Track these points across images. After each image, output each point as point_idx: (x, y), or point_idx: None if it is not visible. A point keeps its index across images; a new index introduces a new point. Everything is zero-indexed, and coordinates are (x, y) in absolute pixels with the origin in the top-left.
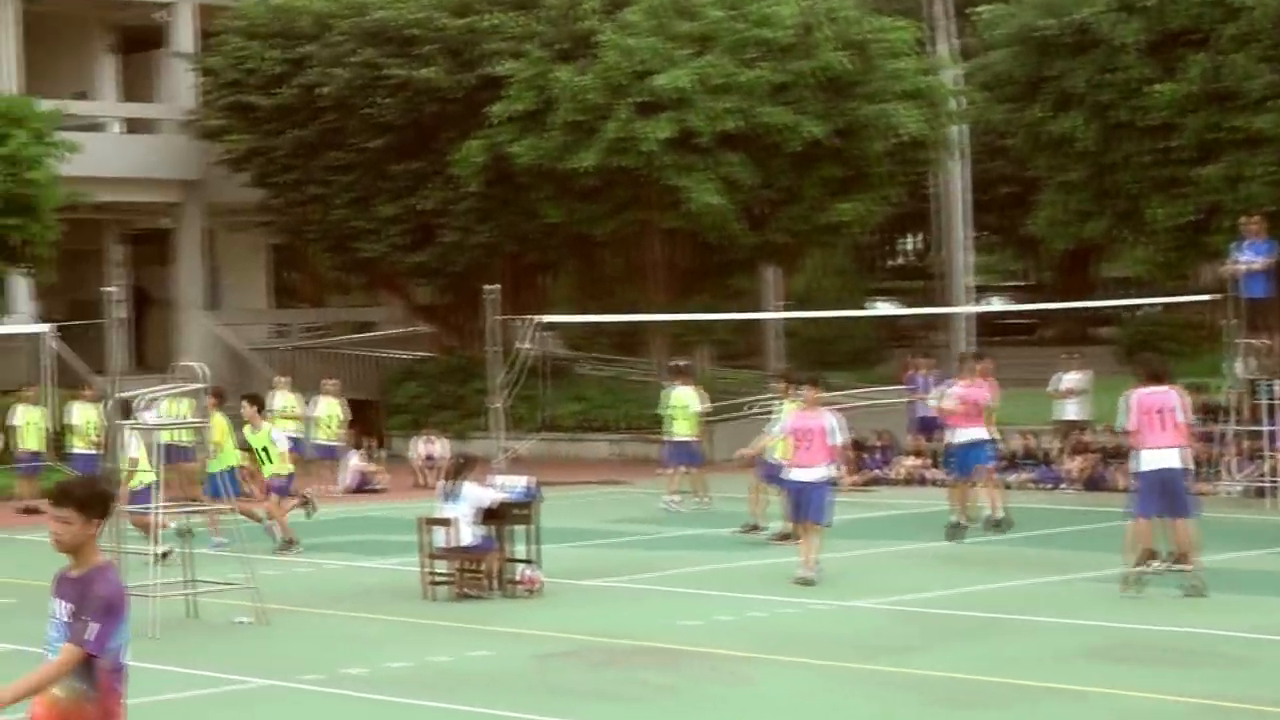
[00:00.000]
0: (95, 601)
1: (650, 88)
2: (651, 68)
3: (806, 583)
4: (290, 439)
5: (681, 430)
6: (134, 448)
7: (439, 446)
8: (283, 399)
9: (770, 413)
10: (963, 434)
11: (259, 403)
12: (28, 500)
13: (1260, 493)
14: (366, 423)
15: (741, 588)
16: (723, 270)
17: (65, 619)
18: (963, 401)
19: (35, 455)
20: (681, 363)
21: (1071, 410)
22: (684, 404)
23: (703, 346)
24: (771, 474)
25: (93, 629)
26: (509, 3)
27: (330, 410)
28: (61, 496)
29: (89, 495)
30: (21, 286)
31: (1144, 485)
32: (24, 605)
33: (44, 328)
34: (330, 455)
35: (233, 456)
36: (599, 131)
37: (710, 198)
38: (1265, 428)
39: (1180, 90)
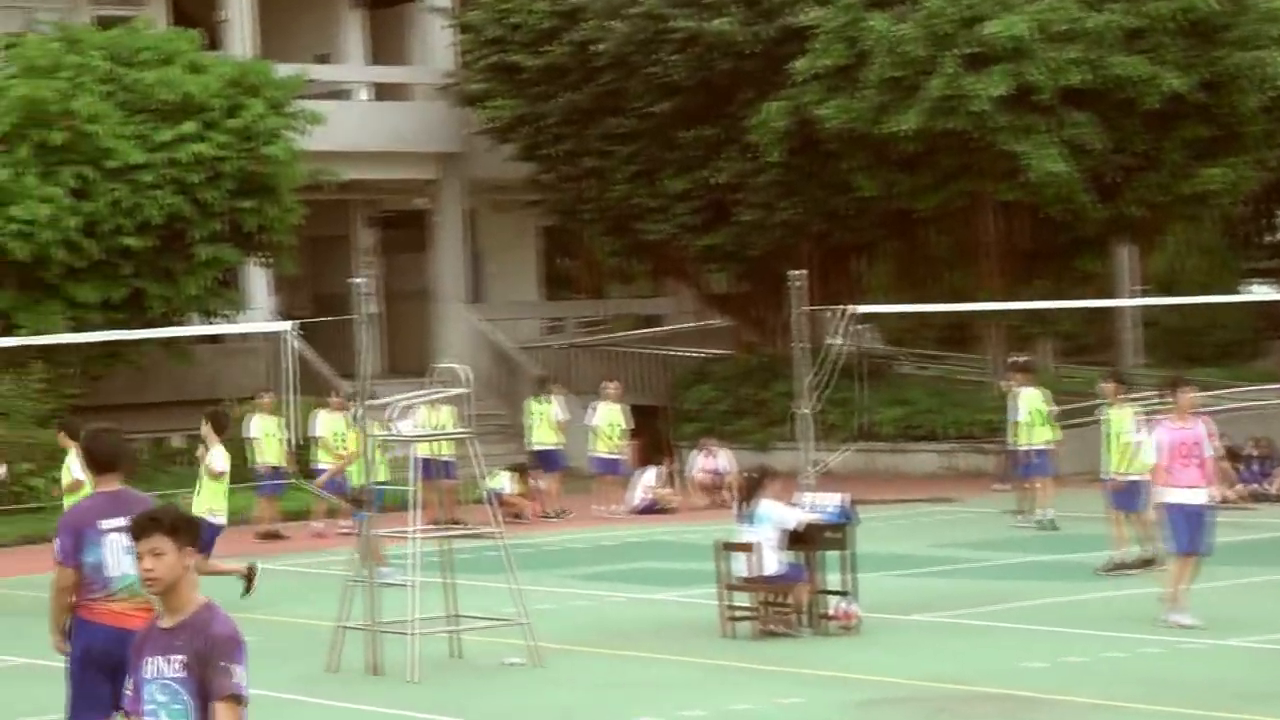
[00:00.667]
0: (225, 644)
1: (981, 37)
2: (982, 13)
3: (1185, 626)
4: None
5: (1036, 438)
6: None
7: (722, 459)
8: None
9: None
10: None
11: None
12: (267, 524)
13: None
14: (652, 432)
15: (1096, 624)
16: (1068, 250)
17: (177, 674)
18: None
19: (276, 471)
20: (1022, 358)
21: None
22: (1037, 407)
23: (1045, 340)
24: (1127, 498)
25: (239, 673)
26: None
27: (611, 418)
28: (146, 525)
29: (178, 520)
30: (258, 278)
31: None
32: (266, 643)
33: (284, 325)
34: (612, 470)
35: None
36: (920, 89)
37: (1053, 165)
38: None
39: None
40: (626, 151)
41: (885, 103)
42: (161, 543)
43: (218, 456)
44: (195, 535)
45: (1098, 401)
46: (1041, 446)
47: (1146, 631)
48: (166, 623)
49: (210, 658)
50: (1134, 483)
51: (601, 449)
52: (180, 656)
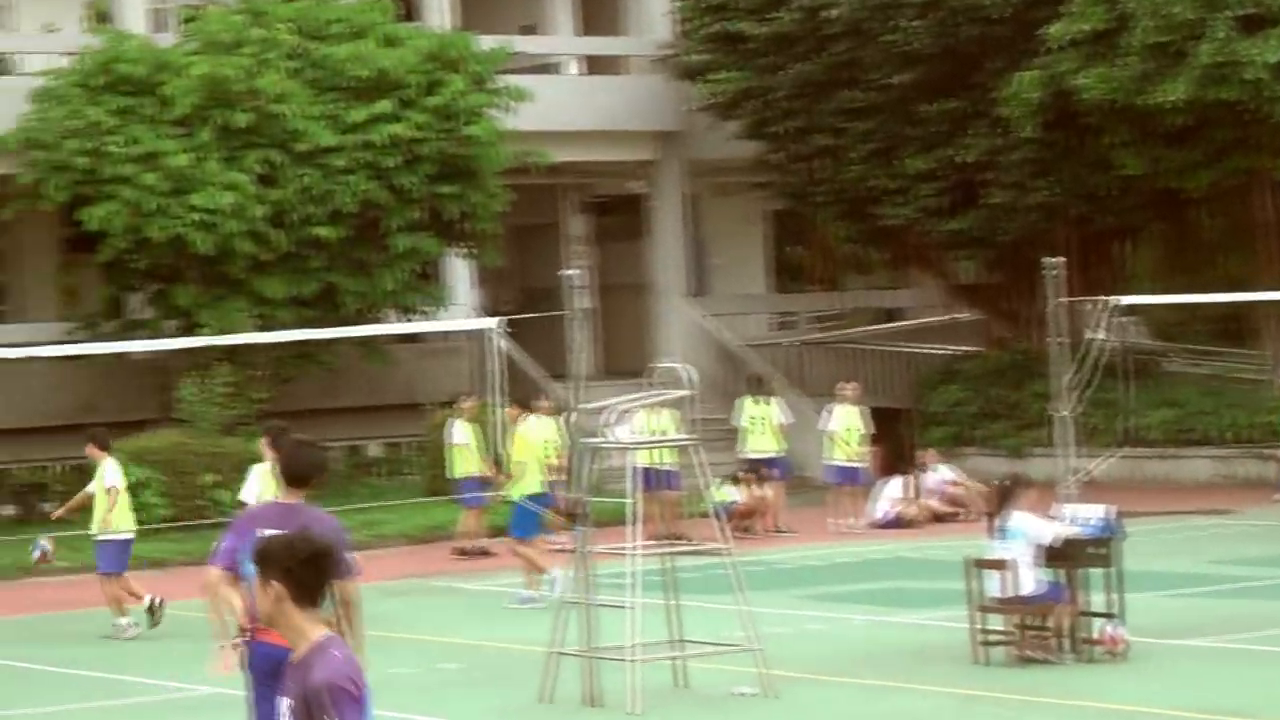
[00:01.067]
0: (322, 694)
1: None
2: None
3: None
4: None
5: None
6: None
7: (946, 471)
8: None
9: None
10: None
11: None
12: (471, 540)
13: None
14: (895, 438)
15: None
16: None
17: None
18: None
19: (481, 483)
20: None
21: None
22: None
23: None
24: None
25: None
26: None
27: (849, 422)
28: (257, 558)
29: (264, 549)
30: (460, 271)
31: None
32: (470, 671)
33: (489, 322)
34: (851, 480)
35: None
36: (1189, 56)
37: None
38: None
39: None
40: (862, 128)
41: (1149, 71)
42: (265, 577)
43: (111, 471)
44: (278, 565)
45: None
46: None
47: None
48: (294, 658)
49: (310, 708)
50: None
51: (838, 456)
52: (289, 700)
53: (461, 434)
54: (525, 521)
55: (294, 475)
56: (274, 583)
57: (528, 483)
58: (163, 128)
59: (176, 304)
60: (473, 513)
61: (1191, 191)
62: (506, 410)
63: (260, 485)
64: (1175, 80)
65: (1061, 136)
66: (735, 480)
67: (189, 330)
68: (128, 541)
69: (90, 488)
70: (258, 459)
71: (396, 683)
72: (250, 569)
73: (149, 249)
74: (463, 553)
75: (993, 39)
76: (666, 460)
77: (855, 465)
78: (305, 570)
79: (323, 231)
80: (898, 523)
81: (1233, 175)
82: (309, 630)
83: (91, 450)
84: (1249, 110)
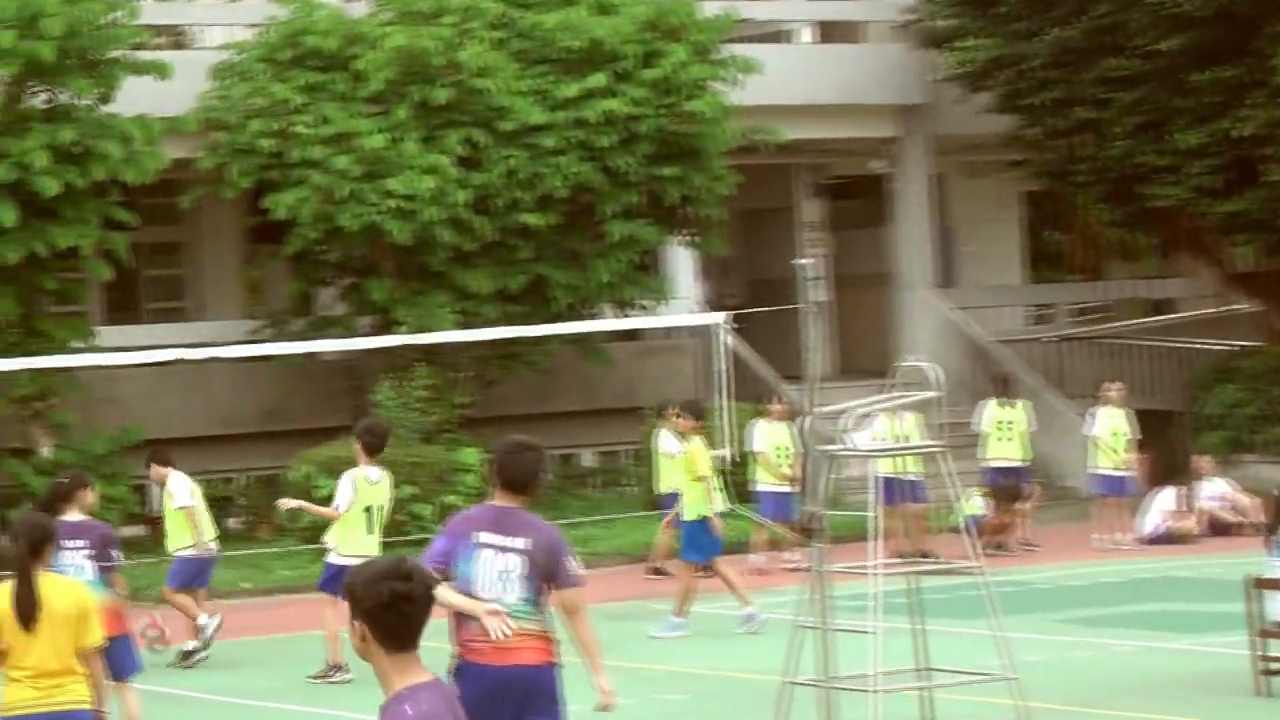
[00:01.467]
0: None
1: None
2: None
3: None
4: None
5: None
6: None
7: (1219, 485)
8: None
9: None
10: None
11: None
12: (661, 559)
13: None
14: (1166, 444)
15: None
16: None
17: None
18: None
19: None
20: None
21: None
22: None
23: None
24: None
25: None
26: None
27: (1114, 426)
28: (343, 589)
29: (353, 588)
30: (683, 261)
31: None
32: (698, 702)
33: (715, 318)
34: (1118, 490)
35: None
36: None
37: None
38: None
39: None
40: (1128, 99)
41: None
42: (351, 616)
43: (183, 489)
44: (358, 604)
45: None
46: None
47: None
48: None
49: None
50: None
51: (1103, 464)
52: None
53: (764, 438)
54: (698, 544)
55: (510, 481)
56: (357, 622)
57: (698, 502)
58: (355, 106)
59: (371, 299)
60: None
61: None
62: (678, 421)
63: (353, 492)
64: None
65: None
66: (997, 493)
67: (385, 328)
68: (208, 559)
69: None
70: (462, 468)
71: (619, 716)
72: (465, 569)
73: (341, 239)
74: (656, 572)
75: (1272, 0)
76: (911, 469)
77: (1122, 474)
78: (387, 615)
79: (531, 219)
80: (1169, 538)
81: None
82: (393, 677)
83: (155, 470)
84: None
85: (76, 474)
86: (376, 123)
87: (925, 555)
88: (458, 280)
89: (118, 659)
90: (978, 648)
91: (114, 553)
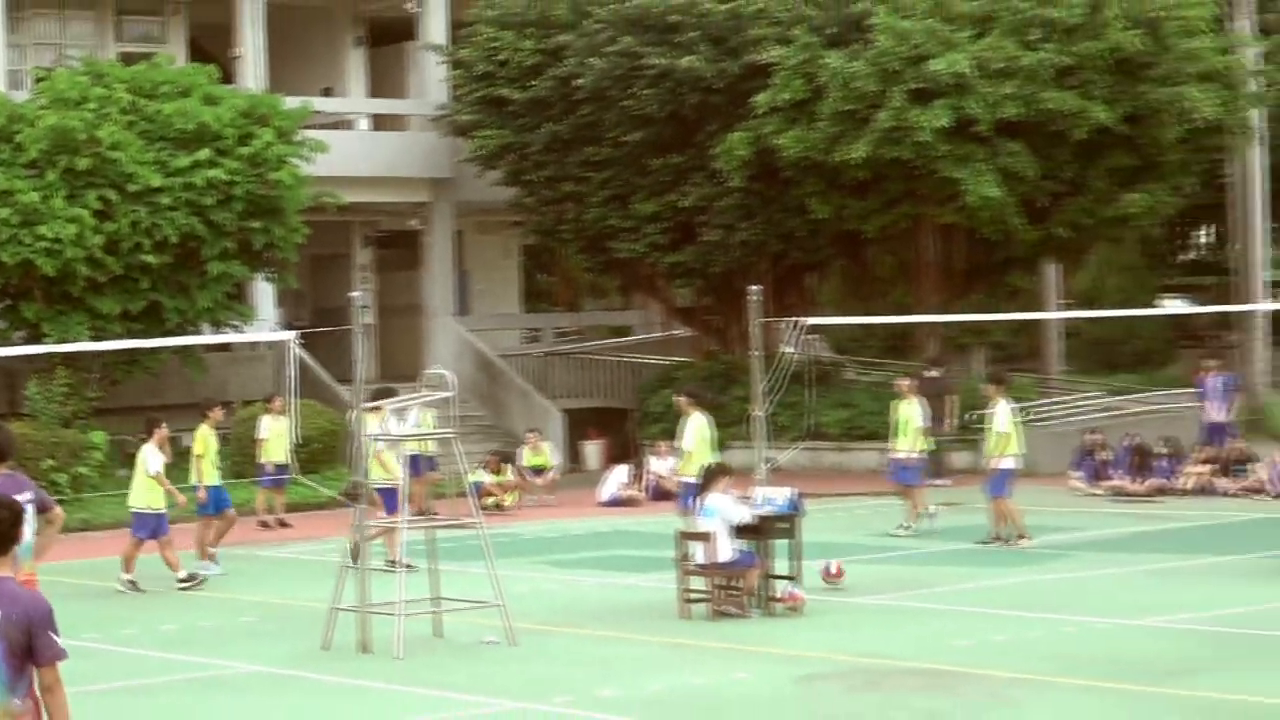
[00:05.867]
0: None
1: (925, 73)
2: (927, 51)
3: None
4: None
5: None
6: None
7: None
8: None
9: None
10: None
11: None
12: (276, 513)
13: None
14: (621, 433)
15: (1018, 605)
16: (1000, 268)
17: None
18: None
19: (282, 469)
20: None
21: None
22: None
23: (978, 349)
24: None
25: None
26: None
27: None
28: None
29: None
30: (265, 292)
31: None
32: (263, 623)
33: (287, 335)
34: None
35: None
36: (870, 121)
37: (989, 190)
38: None
39: None
40: (602, 177)
41: (838, 133)
42: None
43: (154, 459)
44: None
45: (1026, 404)
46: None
47: (1064, 612)
48: None
49: None
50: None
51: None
52: None
53: (267, 427)
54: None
55: None
56: None
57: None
58: (16, 170)
59: (24, 317)
60: (271, 492)
61: (868, 233)
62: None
63: None
64: (858, 141)
65: (764, 186)
66: (484, 465)
67: (34, 339)
68: (162, 515)
69: None
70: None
71: (200, 632)
72: None
73: (2, 271)
74: (264, 525)
75: (711, 105)
76: (431, 449)
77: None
78: None
79: (150, 258)
80: (623, 502)
81: (902, 220)
82: None
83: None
84: (917, 167)
85: None
86: (32, 183)
87: (430, 513)
88: (92, 304)
89: None
90: (477, 583)
91: None
